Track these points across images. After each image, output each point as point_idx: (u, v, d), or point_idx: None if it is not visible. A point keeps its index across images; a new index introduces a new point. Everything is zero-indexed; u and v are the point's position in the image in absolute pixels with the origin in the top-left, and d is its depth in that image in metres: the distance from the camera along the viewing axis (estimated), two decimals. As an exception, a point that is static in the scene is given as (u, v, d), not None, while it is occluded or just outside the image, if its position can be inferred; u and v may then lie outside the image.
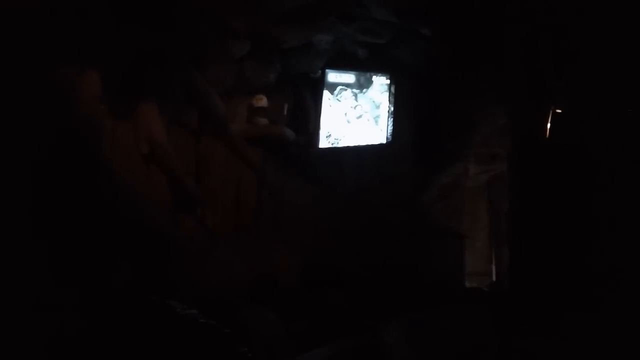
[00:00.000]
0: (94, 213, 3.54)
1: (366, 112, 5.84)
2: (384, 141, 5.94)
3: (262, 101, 5.49)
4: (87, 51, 3.61)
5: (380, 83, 5.88)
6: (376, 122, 5.90)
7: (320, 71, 5.57)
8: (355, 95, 5.76)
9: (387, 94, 5.90)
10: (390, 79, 5.88)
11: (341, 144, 5.72)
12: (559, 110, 3.13)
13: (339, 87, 5.64)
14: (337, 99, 5.64)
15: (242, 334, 2.49)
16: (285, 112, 5.66)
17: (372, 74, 5.80)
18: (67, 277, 2.85)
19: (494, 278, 6.54)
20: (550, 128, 3.17)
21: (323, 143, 5.61)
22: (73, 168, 3.50)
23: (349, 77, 5.72)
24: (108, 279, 3.11)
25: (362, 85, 5.78)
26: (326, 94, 5.57)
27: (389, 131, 5.94)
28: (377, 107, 5.88)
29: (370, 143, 5.89)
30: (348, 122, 5.75)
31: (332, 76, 5.62)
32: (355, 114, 5.78)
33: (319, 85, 5.57)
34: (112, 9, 3.66)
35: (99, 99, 3.90)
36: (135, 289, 3.04)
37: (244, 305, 2.99)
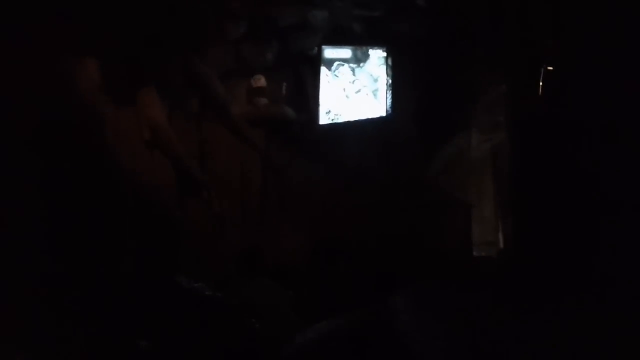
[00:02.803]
0: (100, 200, 3.59)
1: (365, 87, 5.84)
2: (383, 114, 5.94)
3: (261, 81, 5.50)
4: (85, 39, 3.63)
5: (378, 56, 5.86)
6: (375, 95, 5.90)
7: (316, 48, 5.55)
8: (353, 70, 5.75)
9: (385, 66, 5.88)
10: (387, 52, 5.86)
11: (341, 120, 5.72)
12: (550, 68, 3.12)
13: (336, 63, 5.63)
14: (335, 75, 5.63)
15: (249, 306, 2.55)
16: (284, 92, 5.67)
17: (368, 47, 5.78)
18: (77, 262, 2.92)
19: (501, 246, 6.54)
20: (542, 87, 3.16)
21: (323, 120, 5.62)
22: (77, 158, 3.55)
23: (346, 52, 5.70)
24: (117, 262, 3.17)
25: (359, 59, 5.77)
26: (324, 70, 5.56)
27: (389, 104, 5.94)
28: (376, 80, 5.87)
29: (370, 117, 5.89)
30: (347, 97, 5.74)
31: (329, 52, 5.60)
32: (354, 89, 5.78)
33: (316, 62, 5.56)
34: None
35: (99, 87, 3.93)
36: (143, 271, 3.10)
37: (250, 278, 3.05)
